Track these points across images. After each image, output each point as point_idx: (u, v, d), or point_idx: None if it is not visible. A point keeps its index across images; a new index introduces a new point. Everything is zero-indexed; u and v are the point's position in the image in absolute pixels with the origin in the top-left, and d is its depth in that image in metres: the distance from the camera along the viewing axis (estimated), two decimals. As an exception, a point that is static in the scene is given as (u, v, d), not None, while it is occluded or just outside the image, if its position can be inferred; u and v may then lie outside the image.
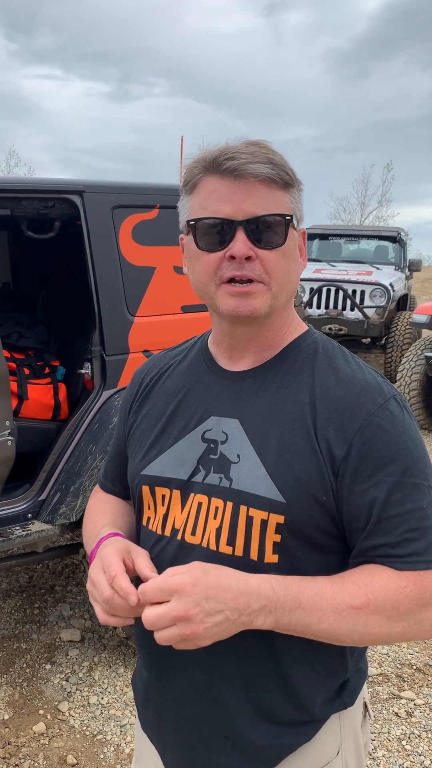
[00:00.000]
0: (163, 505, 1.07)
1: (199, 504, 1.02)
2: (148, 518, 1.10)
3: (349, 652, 1.06)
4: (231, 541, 0.98)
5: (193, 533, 1.02)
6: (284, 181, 0.98)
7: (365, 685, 1.17)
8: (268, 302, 0.99)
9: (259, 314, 1.00)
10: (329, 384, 1.00)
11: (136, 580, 0.95)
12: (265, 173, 0.95)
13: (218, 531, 1.00)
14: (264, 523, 0.97)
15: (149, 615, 0.86)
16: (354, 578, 0.94)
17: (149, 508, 1.10)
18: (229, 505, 0.99)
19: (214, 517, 1.00)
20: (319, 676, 1.04)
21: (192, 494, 1.03)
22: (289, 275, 1.01)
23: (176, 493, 1.05)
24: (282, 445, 0.98)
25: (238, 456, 1.01)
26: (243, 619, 0.88)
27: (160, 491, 1.08)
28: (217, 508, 1.00)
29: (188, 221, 1.02)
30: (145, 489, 1.09)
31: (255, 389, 1.04)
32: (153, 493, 1.08)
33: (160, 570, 1.00)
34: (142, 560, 0.98)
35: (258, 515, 0.97)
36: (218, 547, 0.99)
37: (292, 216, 0.99)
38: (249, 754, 1.03)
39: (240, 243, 0.96)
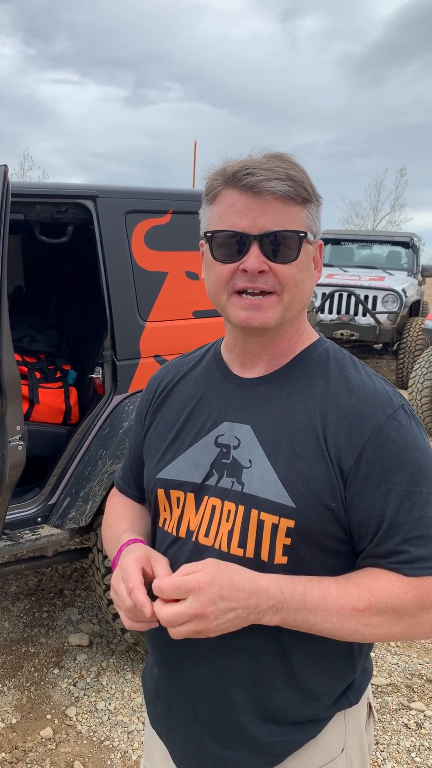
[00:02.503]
0: (178, 507, 1.11)
1: (213, 507, 1.06)
2: (164, 520, 1.14)
3: (357, 654, 1.09)
4: (242, 544, 1.02)
5: (207, 535, 1.05)
6: (302, 197, 1.01)
7: (370, 686, 1.19)
8: (279, 313, 1.03)
9: (269, 326, 1.03)
10: (340, 393, 1.03)
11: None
12: (282, 191, 0.98)
13: (230, 533, 1.03)
14: (275, 527, 1.00)
15: (168, 613, 0.90)
16: (358, 581, 0.97)
17: (165, 510, 1.13)
18: (241, 508, 1.03)
19: (227, 520, 1.04)
20: (328, 676, 1.06)
21: (206, 497, 1.07)
22: (302, 287, 1.04)
23: (190, 496, 1.09)
24: (293, 452, 1.01)
25: (250, 461, 1.04)
26: (252, 617, 0.93)
27: (174, 494, 1.11)
28: (229, 512, 1.04)
29: (206, 232, 1.05)
30: (161, 492, 1.13)
31: (267, 396, 1.07)
32: (168, 496, 1.12)
33: (174, 569, 1.02)
34: (161, 567, 1.01)
35: (269, 519, 1.00)
36: (230, 549, 1.03)
37: (305, 233, 1.02)
38: (256, 750, 1.06)
39: (253, 257, 0.99)
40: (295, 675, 1.04)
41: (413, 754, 2.51)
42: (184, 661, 1.09)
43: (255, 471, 1.03)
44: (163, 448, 1.15)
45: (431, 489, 0.98)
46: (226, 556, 1.02)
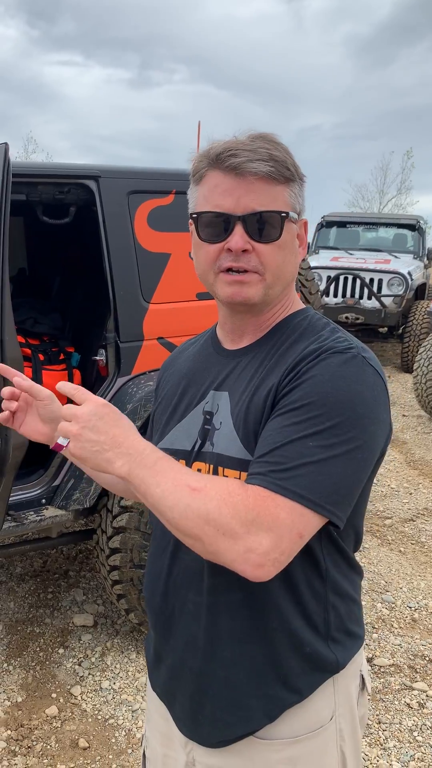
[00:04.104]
0: None
1: (198, 470, 1.11)
2: None
3: (332, 608, 1.10)
4: None
5: None
6: (284, 176, 1.05)
7: (364, 659, 1.22)
8: (261, 291, 1.07)
9: (252, 302, 1.08)
10: (306, 345, 1.05)
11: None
12: (264, 171, 1.02)
13: None
14: None
15: (66, 407, 1.01)
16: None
17: None
18: (211, 467, 1.09)
19: None
20: (302, 628, 1.08)
21: (194, 462, 1.13)
22: (284, 266, 1.09)
23: (182, 463, 1.13)
24: (248, 408, 1.06)
25: (221, 423, 1.10)
26: (109, 454, 0.97)
27: None
28: (206, 473, 1.09)
29: (192, 213, 1.10)
30: None
31: (245, 364, 1.12)
32: None
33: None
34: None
35: (231, 475, 1.05)
36: None
37: (287, 213, 1.06)
38: (244, 708, 1.08)
39: (237, 237, 1.04)
40: (270, 628, 1.06)
41: (415, 734, 2.53)
42: (175, 621, 1.14)
43: (222, 431, 1.09)
44: (164, 420, 1.22)
45: (336, 429, 0.95)
46: None
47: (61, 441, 1.09)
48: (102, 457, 0.97)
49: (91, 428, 0.97)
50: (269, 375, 1.06)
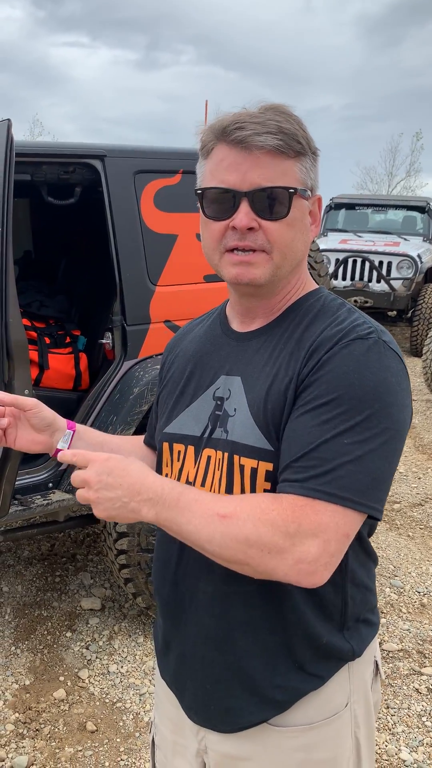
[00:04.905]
0: (178, 460, 1.14)
1: (209, 457, 1.09)
2: (166, 475, 1.17)
3: (350, 598, 1.09)
4: (229, 489, 1.05)
5: (203, 484, 1.09)
6: (294, 150, 1.00)
7: (377, 644, 1.20)
8: (269, 271, 1.03)
9: (259, 282, 1.03)
10: (322, 328, 1.02)
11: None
12: (272, 145, 0.97)
13: (219, 481, 1.06)
14: (254, 471, 1.01)
15: (74, 475, 1.00)
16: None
17: (167, 466, 1.17)
18: (226, 455, 1.05)
19: (218, 468, 1.07)
20: (317, 618, 1.06)
21: (204, 449, 1.10)
22: (293, 245, 1.03)
23: (190, 449, 1.12)
24: (267, 396, 1.02)
25: (235, 410, 1.06)
26: (132, 504, 0.95)
27: (177, 447, 1.15)
28: (219, 460, 1.07)
29: (197, 189, 1.06)
30: (165, 445, 1.17)
31: (257, 347, 1.08)
32: (171, 449, 1.16)
33: None
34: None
35: (248, 464, 1.02)
36: None
37: (296, 189, 1.00)
38: (258, 696, 1.07)
39: (242, 215, 0.99)
40: (287, 618, 1.04)
41: (424, 719, 2.52)
42: (185, 610, 1.12)
43: (237, 418, 1.05)
44: (171, 404, 1.18)
45: (367, 422, 0.93)
46: None
47: (60, 445, 1.06)
48: (127, 510, 0.96)
49: (104, 487, 0.96)
50: (287, 361, 1.02)
